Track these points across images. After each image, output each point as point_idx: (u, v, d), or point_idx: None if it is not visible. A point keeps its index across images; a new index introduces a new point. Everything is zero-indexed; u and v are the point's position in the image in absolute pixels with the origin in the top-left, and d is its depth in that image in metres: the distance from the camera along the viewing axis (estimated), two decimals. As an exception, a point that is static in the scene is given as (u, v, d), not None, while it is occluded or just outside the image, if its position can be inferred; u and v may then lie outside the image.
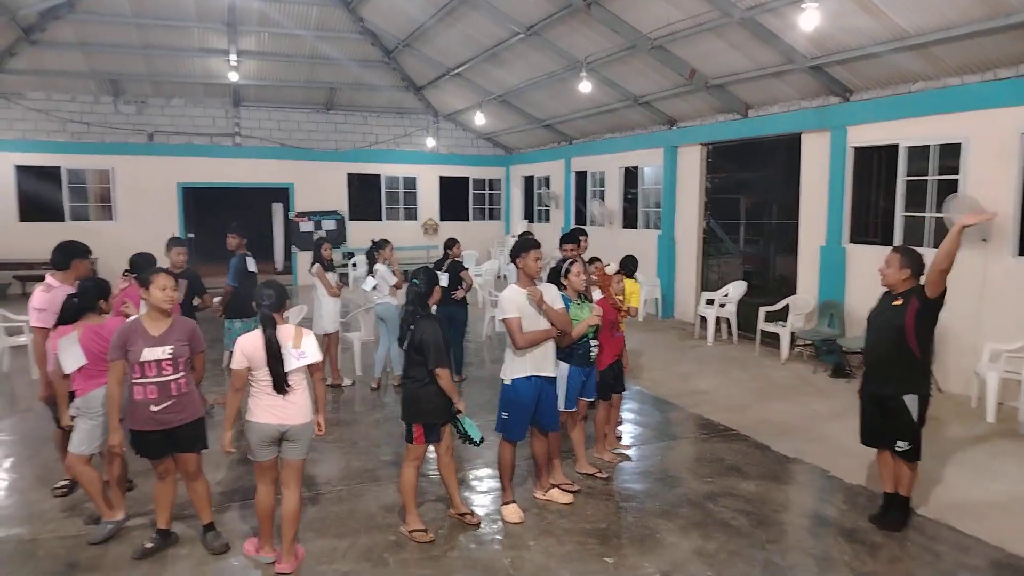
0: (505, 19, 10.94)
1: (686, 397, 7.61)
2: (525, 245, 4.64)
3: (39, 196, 15.37)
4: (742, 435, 6.40)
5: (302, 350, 3.99)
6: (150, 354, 3.94)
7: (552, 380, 4.77)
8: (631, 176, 13.93)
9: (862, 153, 8.91)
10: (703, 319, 10.60)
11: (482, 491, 5.23)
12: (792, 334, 9.16)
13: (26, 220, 14.97)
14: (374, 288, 7.91)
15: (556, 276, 5.16)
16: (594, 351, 5.22)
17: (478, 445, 4.59)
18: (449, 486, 4.66)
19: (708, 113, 11.24)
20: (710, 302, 10.55)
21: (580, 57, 10.85)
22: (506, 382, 4.68)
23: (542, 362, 4.65)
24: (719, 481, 5.38)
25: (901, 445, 4.45)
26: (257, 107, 16.56)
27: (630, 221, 13.96)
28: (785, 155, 10.24)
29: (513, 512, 4.71)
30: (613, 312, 5.64)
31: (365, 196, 18.31)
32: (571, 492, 5.05)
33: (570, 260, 5.24)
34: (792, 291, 9.72)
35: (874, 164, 9.28)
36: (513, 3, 10.50)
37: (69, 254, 5.15)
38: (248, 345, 3.90)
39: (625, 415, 6.89)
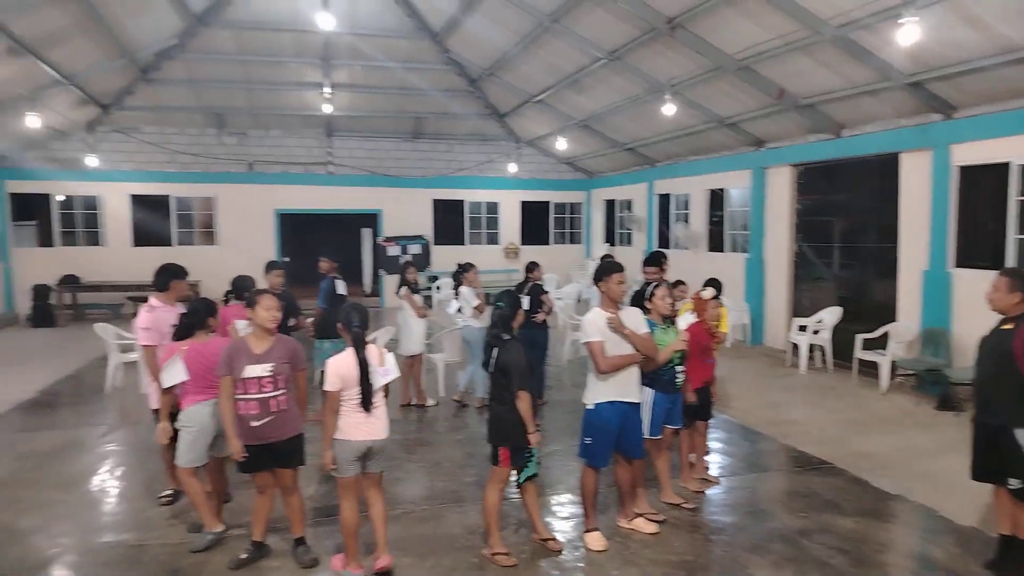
0: (587, 45, 11.02)
1: (776, 427, 7.31)
2: (608, 268, 4.62)
3: (150, 223, 16.54)
4: (838, 469, 6.09)
5: (386, 367, 4.19)
6: (251, 371, 4.14)
7: (636, 406, 4.69)
8: (717, 198, 13.64)
9: (968, 172, 8.41)
10: (795, 346, 10.19)
11: (563, 517, 5.18)
12: (893, 363, 8.67)
13: (138, 245, 16.10)
14: (458, 311, 8.06)
15: (640, 300, 5.10)
16: (680, 377, 5.11)
17: (518, 484, 4.55)
18: (531, 510, 4.64)
19: (798, 133, 10.91)
20: (802, 328, 10.14)
21: (663, 80, 10.79)
22: (588, 407, 4.64)
23: (625, 387, 4.59)
24: (814, 516, 5.13)
25: (1014, 483, 4.11)
26: (349, 137, 17.27)
27: (716, 244, 13.65)
28: (881, 175, 9.80)
29: (596, 540, 4.63)
30: (707, 338, 5.52)
31: (449, 221, 18.71)
32: (656, 522, 4.93)
33: (655, 283, 5.16)
34: (891, 318, 9.22)
35: (981, 184, 8.74)
36: (595, 30, 10.58)
37: (168, 276, 5.46)
38: (341, 366, 4.06)
39: (712, 445, 6.69)
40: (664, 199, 15.32)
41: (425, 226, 17.90)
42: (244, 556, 4.38)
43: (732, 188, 12.98)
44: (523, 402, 4.31)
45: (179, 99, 15.11)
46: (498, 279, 17.61)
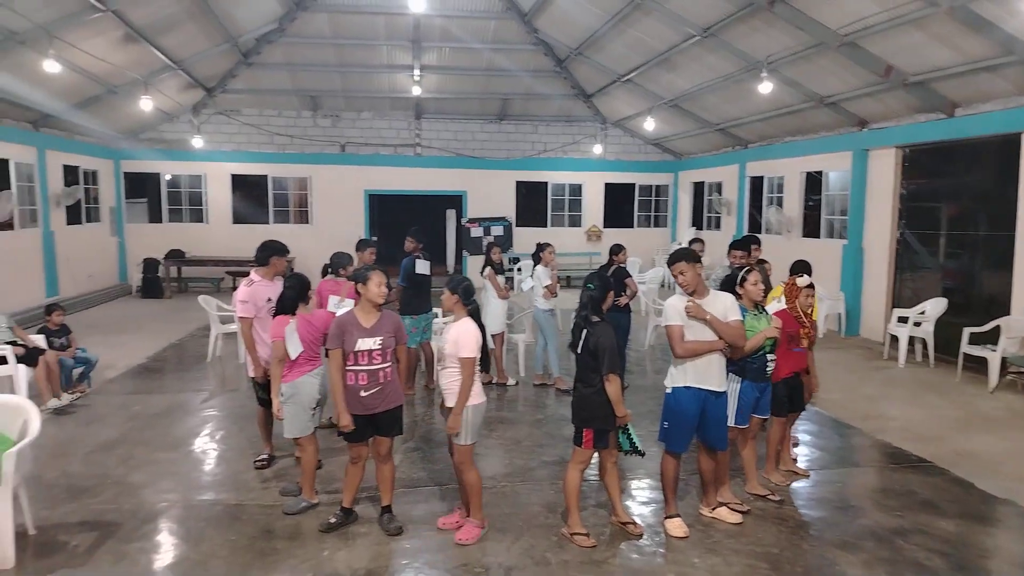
0: (680, 22, 10.70)
1: (871, 422, 6.98)
2: (672, 257, 4.52)
3: (248, 202, 17.38)
4: (938, 468, 5.75)
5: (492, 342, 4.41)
6: (363, 344, 4.32)
7: (719, 395, 4.53)
8: (813, 181, 13.04)
9: (1101, 154, 7.69)
10: (894, 338, 9.66)
11: (643, 502, 5.13)
12: (1004, 359, 8.08)
13: (237, 223, 16.95)
14: (532, 289, 8.14)
15: (731, 285, 4.94)
16: (770, 366, 4.94)
17: (642, 456, 4.55)
18: (612, 493, 4.63)
19: (905, 113, 10.25)
20: (903, 320, 9.59)
21: (760, 57, 10.35)
22: (667, 390, 4.59)
23: (705, 374, 4.45)
24: (910, 516, 4.87)
25: None
26: (436, 119, 17.51)
27: (811, 229, 13.07)
28: (999, 158, 9.08)
29: (677, 526, 4.57)
30: (795, 325, 5.30)
31: (532, 203, 18.71)
32: (740, 512, 4.81)
33: (747, 268, 4.99)
34: (1004, 311, 8.58)
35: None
36: (688, 6, 10.25)
37: (269, 252, 5.71)
38: (476, 334, 4.33)
39: (802, 437, 6.46)
40: (756, 181, 14.78)
41: (508, 208, 17.97)
42: (333, 521, 4.58)
43: (831, 171, 12.36)
44: (613, 385, 4.28)
45: (277, 82, 15.72)
46: (579, 262, 17.56)
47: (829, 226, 12.50)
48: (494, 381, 8.21)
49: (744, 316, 4.71)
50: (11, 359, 7.01)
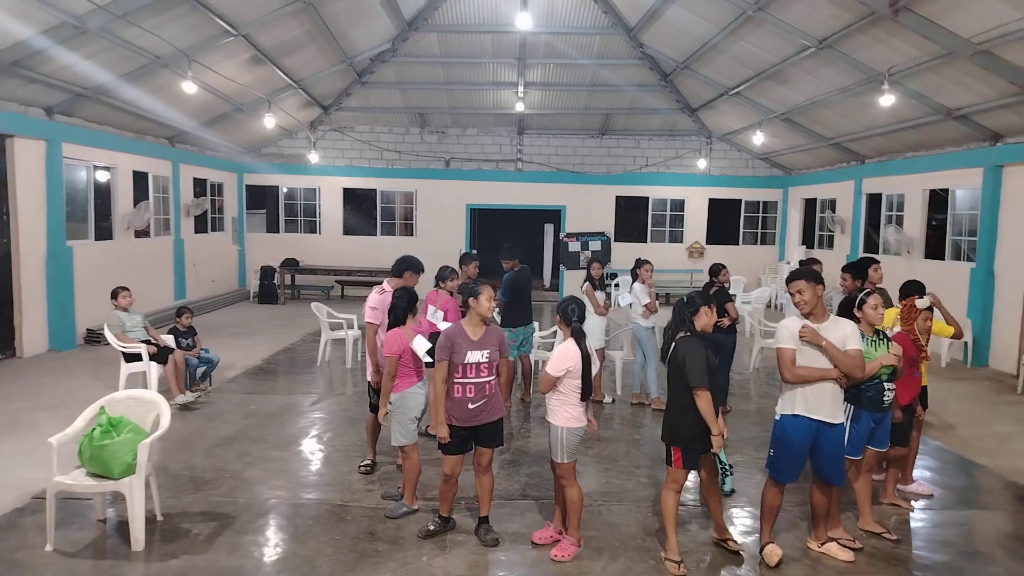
0: (794, 34, 10.33)
1: (1003, 460, 6.41)
2: (789, 276, 4.33)
3: (358, 214, 18.17)
4: (1083, 516, 5.22)
5: (594, 357, 4.44)
6: (472, 357, 4.43)
7: (834, 427, 4.26)
8: (938, 199, 12.20)
9: None
10: (1029, 371, 8.86)
11: (744, 531, 4.93)
12: None
13: (347, 234, 17.74)
14: (630, 305, 8.04)
15: (849, 308, 4.69)
16: (888, 395, 4.65)
17: (727, 495, 4.42)
18: (712, 508, 4.55)
19: (1047, 126, 9.44)
20: (1040, 351, 8.78)
21: (881, 69, 9.82)
22: (776, 417, 4.39)
23: (815, 402, 4.20)
24: (1049, 568, 4.44)
25: None
26: (538, 134, 17.69)
27: (934, 250, 12.22)
28: None
29: (770, 552, 4.39)
30: (914, 349, 4.97)
31: (631, 218, 18.51)
32: (852, 549, 4.54)
33: (867, 291, 4.73)
34: None
35: None
36: (803, 17, 9.88)
37: (404, 266, 5.87)
38: (568, 357, 4.31)
39: (922, 473, 6.03)
40: (874, 199, 14.00)
41: (607, 223, 17.86)
42: (432, 528, 4.68)
43: (958, 188, 11.54)
44: (702, 400, 4.13)
45: (388, 100, 16.38)
46: (680, 279, 17.19)
47: (955, 247, 11.65)
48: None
49: (865, 341, 4.47)
50: (145, 356, 7.62)
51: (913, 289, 5.44)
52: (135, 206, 12.50)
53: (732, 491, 4.47)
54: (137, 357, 7.65)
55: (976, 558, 4.60)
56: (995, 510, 5.50)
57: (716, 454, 4.31)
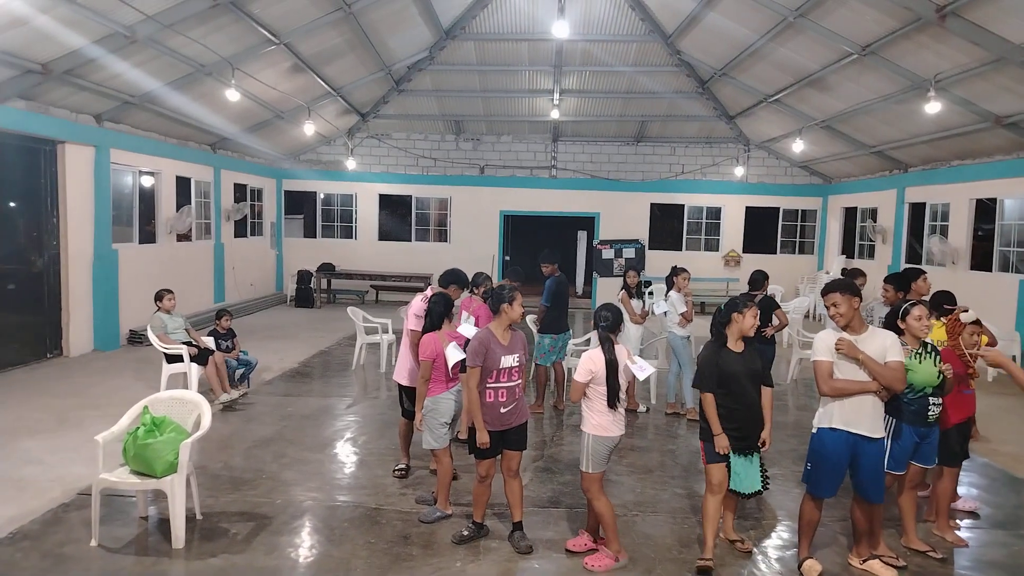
0: (836, 40, 10.16)
1: (1055, 480, 6.19)
2: (825, 288, 4.25)
3: (393, 220, 18.35)
4: None
5: (641, 364, 4.44)
6: (505, 361, 4.46)
7: (875, 441, 4.16)
8: (985, 209, 11.87)
9: None
10: (1082, 387, 8.53)
11: (780, 545, 4.83)
12: None
13: (382, 239, 17.92)
14: (665, 313, 7.97)
15: (893, 320, 4.58)
16: (934, 410, 4.51)
17: (744, 496, 4.47)
18: (725, 510, 4.64)
19: (1102, 134, 9.12)
20: (1094, 367, 8.45)
21: (927, 75, 9.61)
22: (813, 430, 4.32)
23: (854, 416, 4.11)
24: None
25: None
26: (573, 141, 17.67)
27: (980, 261, 11.89)
28: None
29: (810, 568, 4.31)
30: (960, 365, 4.82)
31: (666, 225, 18.35)
32: (895, 567, 4.41)
33: (911, 302, 4.62)
34: None
35: None
36: (847, 22, 9.71)
37: (451, 278, 5.90)
38: (593, 361, 4.29)
39: (968, 491, 5.84)
40: (917, 208, 13.68)
41: (641, 230, 17.74)
42: (466, 534, 4.68)
43: (1006, 198, 11.22)
44: (704, 403, 4.33)
45: (424, 107, 16.53)
46: (716, 287, 16.99)
47: (1003, 259, 11.31)
48: (625, 406, 8.08)
49: (909, 354, 4.36)
50: (186, 358, 7.78)
51: (942, 300, 5.30)
52: (178, 210, 12.80)
53: (758, 490, 4.42)
54: (178, 358, 7.82)
55: (1028, 579, 4.44)
56: (1047, 531, 5.30)
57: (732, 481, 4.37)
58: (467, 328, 5.94)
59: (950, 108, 10.11)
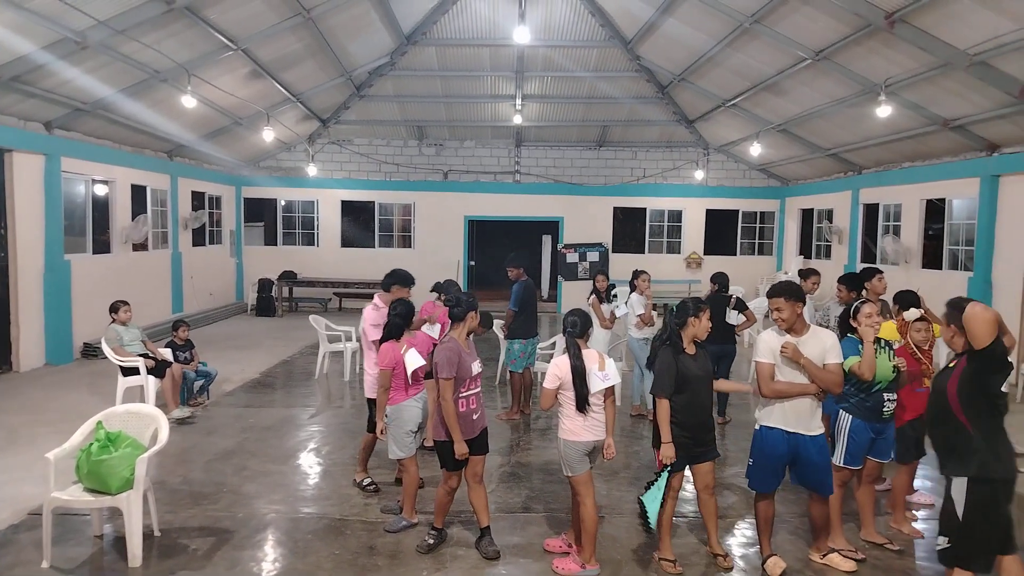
0: (791, 45, 10.39)
1: (1005, 471, 6.38)
2: (769, 292, 4.34)
3: (355, 227, 18.18)
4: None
5: (606, 372, 4.30)
6: (474, 368, 4.46)
7: (814, 439, 4.25)
8: (935, 209, 12.24)
9: None
10: (1029, 380, 8.86)
11: (743, 543, 4.90)
12: None
13: (345, 246, 17.74)
14: (626, 316, 8.07)
15: (846, 318, 4.70)
16: (888, 405, 4.64)
17: (646, 526, 4.33)
18: (707, 521, 4.55)
19: (1043, 136, 9.49)
20: (1039, 360, 8.78)
21: (878, 80, 9.88)
22: (756, 427, 4.42)
23: (793, 416, 4.22)
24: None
25: (940, 542, 3.53)
26: (536, 146, 17.74)
27: (931, 260, 12.25)
28: None
29: (773, 564, 4.38)
30: (914, 363, 4.96)
31: (628, 228, 18.52)
32: (854, 560, 4.51)
33: (862, 300, 4.74)
34: None
35: None
36: (801, 29, 9.94)
37: (393, 280, 5.83)
38: (562, 367, 4.27)
39: (922, 483, 6.00)
40: (871, 209, 14.04)
41: (604, 234, 17.88)
42: (431, 542, 4.64)
43: (955, 198, 11.59)
44: (657, 408, 4.30)
45: (386, 113, 16.43)
46: (678, 289, 17.18)
47: (952, 257, 11.68)
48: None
49: (862, 351, 4.47)
50: (143, 370, 7.59)
51: (904, 300, 5.43)
52: (133, 219, 12.49)
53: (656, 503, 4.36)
54: (135, 371, 7.63)
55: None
56: (998, 521, 5.46)
57: (646, 513, 4.29)
58: (435, 332, 5.94)
59: (900, 112, 10.41)
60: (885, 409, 4.64)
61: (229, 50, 10.50)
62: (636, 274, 8.05)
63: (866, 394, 4.59)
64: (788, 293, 4.22)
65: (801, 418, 4.22)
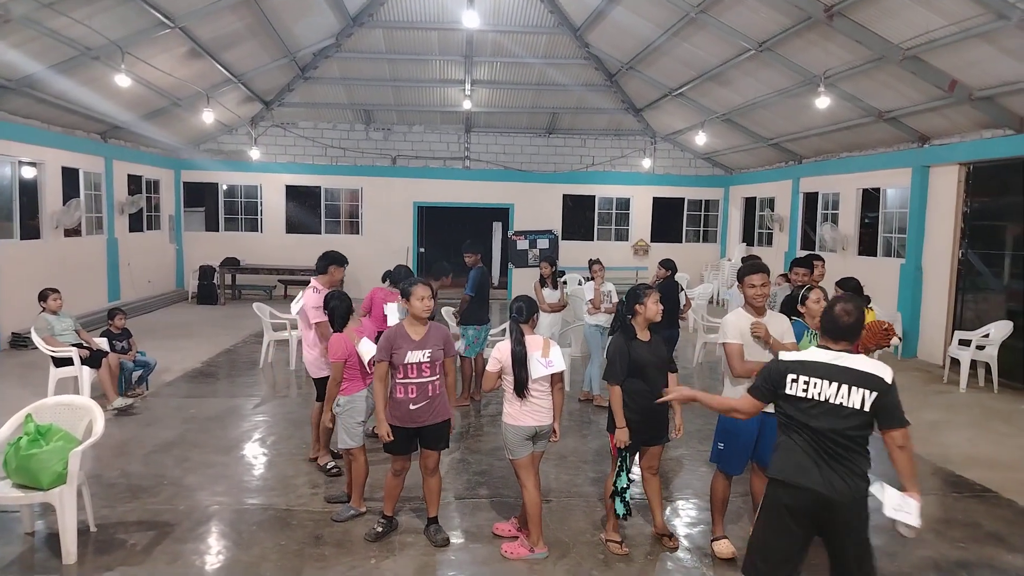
0: (735, 36, 10.59)
1: (932, 448, 6.71)
2: (744, 270, 4.45)
3: (301, 212, 17.80)
4: (1004, 499, 5.50)
5: (550, 359, 4.30)
6: (412, 357, 4.36)
7: (771, 414, 4.45)
8: (870, 198, 12.70)
9: None
10: (955, 361, 9.31)
11: (689, 523, 5.03)
12: (1075, 387, 7.71)
13: (290, 232, 17.37)
14: (580, 301, 8.23)
15: (793, 304, 4.84)
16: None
17: (617, 500, 4.38)
18: (651, 503, 4.62)
19: (970, 129, 9.92)
20: (965, 343, 9.23)
21: (817, 72, 10.16)
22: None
23: None
24: (975, 549, 4.67)
25: None
26: (486, 132, 17.66)
27: (867, 247, 12.72)
28: (1072, 176, 8.70)
29: (724, 547, 4.48)
30: (857, 349, 5.15)
31: (578, 216, 18.67)
32: (793, 536, 4.67)
33: (808, 286, 4.88)
34: (1076, 336, 8.20)
35: None
36: (744, 20, 10.14)
37: (328, 261, 5.95)
38: (503, 351, 4.29)
39: (856, 461, 6.25)
40: (811, 197, 14.47)
41: (554, 221, 17.97)
42: (379, 530, 4.61)
43: (889, 187, 12.03)
44: (611, 395, 4.34)
45: (332, 96, 16.09)
46: (626, 276, 17.39)
47: (887, 244, 12.15)
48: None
49: (808, 336, 4.61)
50: (77, 361, 7.29)
51: (847, 284, 5.63)
52: (65, 204, 11.95)
53: (623, 488, 4.44)
54: (68, 362, 7.32)
55: (908, 541, 4.75)
56: (925, 495, 5.67)
57: (625, 501, 4.35)
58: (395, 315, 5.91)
59: (838, 103, 10.73)
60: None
61: (166, 28, 10.09)
62: (590, 263, 8.20)
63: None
64: (766, 269, 4.43)
65: None
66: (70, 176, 12.34)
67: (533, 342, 4.33)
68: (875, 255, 12.34)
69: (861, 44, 9.08)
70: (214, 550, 4.48)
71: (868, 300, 5.61)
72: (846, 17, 8.75)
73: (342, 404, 4.86)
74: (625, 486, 4.36)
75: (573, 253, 17.04)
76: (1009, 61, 8.01)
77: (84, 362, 7.34)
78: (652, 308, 4.39)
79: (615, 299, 8.12)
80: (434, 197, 17.63)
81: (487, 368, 4.40)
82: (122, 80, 9.78)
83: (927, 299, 10.83)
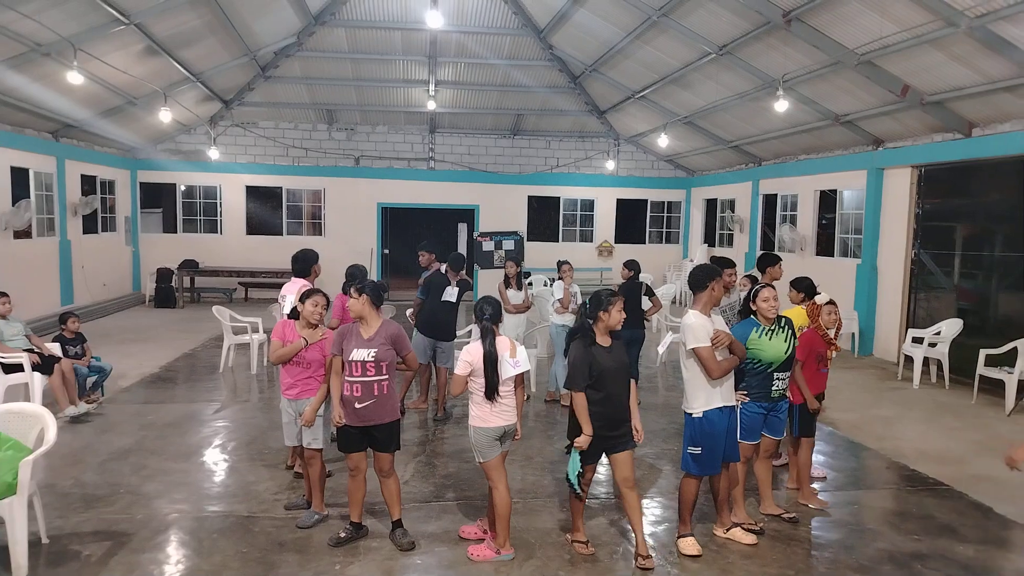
0: (696, 40, 10.74)
1: (887, 443, 6.90)
2: (711, 272, 4.55)
3: (262, 213, 17.51)
4: (956, 492, 5.68)
5: (517, 359, 4.31)
6: (357, 355, 4.33)
7: (734, 409, 4.64)
8: (827, 200, 13.00)
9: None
10: (908, 359, 9.57)
11: (654, 521, 5.08)
12: (1020, 382, 7.98)
13: (251, 234, 17.06)
14: (547, 301, 8.25)
15: (746, 302, 4.94)
16: (777, 384, 4.82)
17: (570, 485, 4.38)
18: (632, 521, 4.40)
19: (921, 132, 10.23)
20: (918, 340, 9.51)
21: (776, 76, 10.36)
22: (695, 415, 4.46)
23: (727, 391, 4.54)
24: (928, 540, 4.80)
25: None
26: (450, 133, 17.61)
27: (824, 248, 13.02)
28: (1016, 179, 9.02)
29: (690, 545, 4.53)
30: (822, 345, 5.31)
31: (543, 217, 18.73)
32: (755, 532, 4.76)
33: (761, 285, 4.99)
34: (1021, 333, 8.47)
35: None
36: (705, 24, 10.29)
37: (310, 262, 5.98)
38: (474, 353, 4.25)
39: (816, 457, 6.37)
40: (770, 199, 14.75)
41: (520, 222, 18.00)
42: (343, 535, 4.56)
43: (845, 189, 12.33)
44: (574, 401, 4.31)
45: (294, 96, 15.87)
46: (591, 277, 17.53)
47: (843, 245, 12.44)
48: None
49: (758, 331, 4.73)
50: (27, 367, 7.05)
51: (801, 283, 5.77)
52: (14, 205, 11.55)
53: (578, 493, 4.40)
54: (18, 368, 7.08)
55: (865, 534, 4.92)
56: (881, 489, 5.90)
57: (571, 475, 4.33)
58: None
59: (797, 106, 10.96)
60: (774, 388, 4.80)
61: (120, 24, 9.83)
62: (560, 264, 8.23)
63: (752, 375, 4.78)
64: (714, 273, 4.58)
65: (729, 391, 4.56)
66: (19, 176, 11.95)
67: (501, 343, 4.32)
68: (832, 255, 12.63)
69: (818, 49, 9.29)
70: (173, 559, 4.38)
71: (814, 291, 5.73)
72: (804, 23, 8.94)
73: (322, 414, 4.82)
74: (578, 473, 4.32)
75: (539, 254, 17.09)
76: (958, 67, 8.28)
77: (36, 368, 7.10)
78: (615, 316, 4.31)
79: (580, 300, 8.15)
80: (398, 198, 17.51)
81: (456, 372, 4.36)
82: (74, 78, 9.49)
83: (882, 298, 11.13)
